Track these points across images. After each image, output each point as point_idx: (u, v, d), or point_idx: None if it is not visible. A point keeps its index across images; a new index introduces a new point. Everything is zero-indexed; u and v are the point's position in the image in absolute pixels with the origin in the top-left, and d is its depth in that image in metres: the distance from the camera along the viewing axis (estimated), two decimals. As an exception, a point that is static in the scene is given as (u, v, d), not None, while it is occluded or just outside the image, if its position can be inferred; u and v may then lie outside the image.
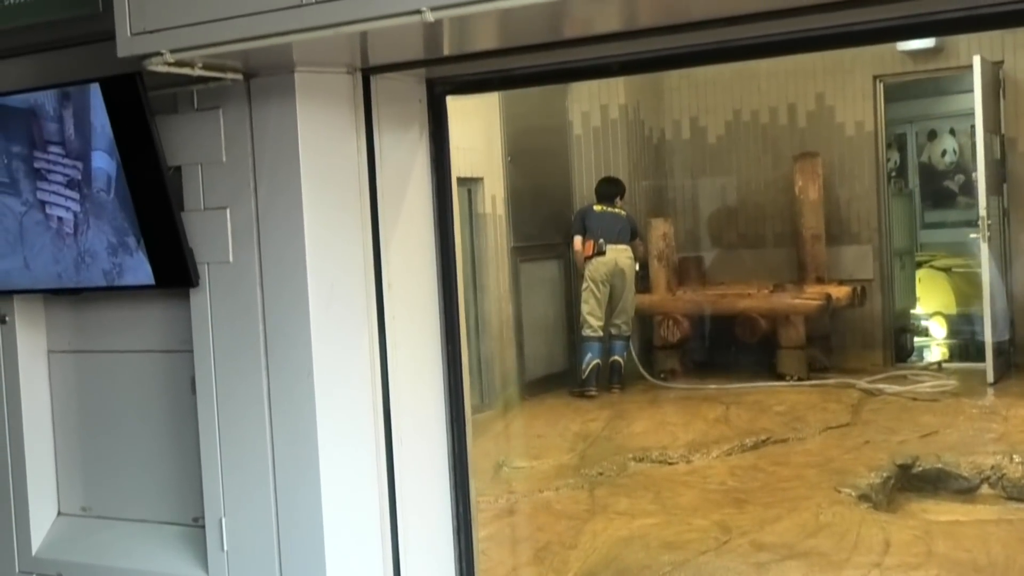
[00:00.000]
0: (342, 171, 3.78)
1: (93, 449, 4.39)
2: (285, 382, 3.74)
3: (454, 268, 4.09)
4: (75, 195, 3.90)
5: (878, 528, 5.82)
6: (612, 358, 9.59)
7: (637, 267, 9.68)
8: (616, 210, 9.69)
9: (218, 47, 3.26)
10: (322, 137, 3.72)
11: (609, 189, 9.82)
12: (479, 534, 4.36)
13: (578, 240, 9.51)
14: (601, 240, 9.40)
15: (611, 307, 9.58)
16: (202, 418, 3.92)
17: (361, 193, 3.82)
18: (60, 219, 3.97)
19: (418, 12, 2.88)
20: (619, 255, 9.49)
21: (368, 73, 3.80)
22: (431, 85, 4.01)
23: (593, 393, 9.27)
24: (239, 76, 3.65)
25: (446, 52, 3.69)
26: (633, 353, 9.81)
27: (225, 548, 3.91)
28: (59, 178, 3.92)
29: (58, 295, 4.25)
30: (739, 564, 5.47)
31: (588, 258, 9.42)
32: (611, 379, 9.55)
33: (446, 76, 3.98)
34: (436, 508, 4.09)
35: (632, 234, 9.72)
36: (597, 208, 9.64)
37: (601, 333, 9.48)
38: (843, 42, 3.95)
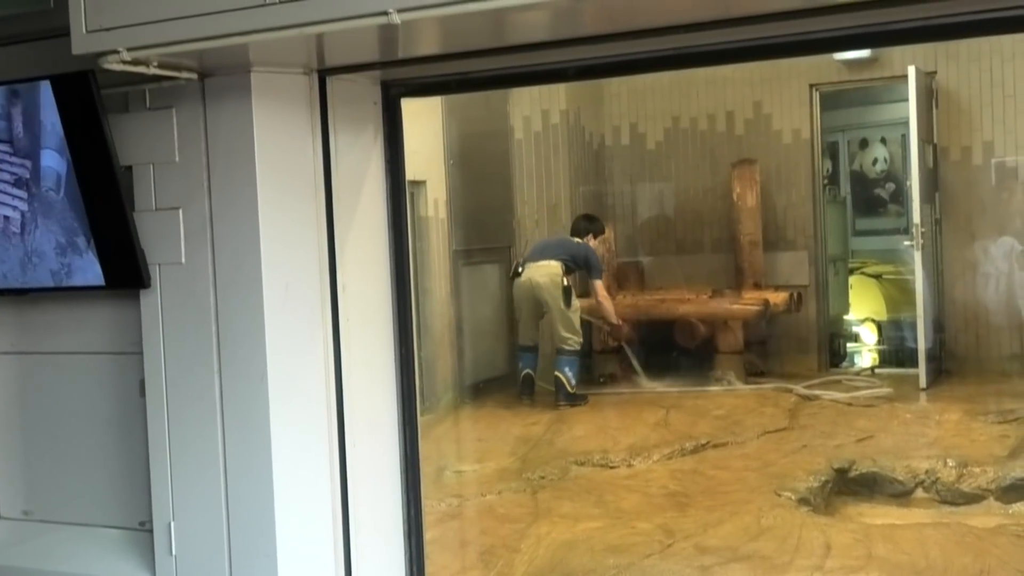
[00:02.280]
0: (297, 172, 3.76)
1: (36, 452, 4.32)
2: (238, 385, 3.70)
3: (407, 271, 4.09)
4: (23, 194, 3.84)
5: (818, 531, 5.89)
6: (525, 371, 9.32)
7: (565, 282, 9.24)
8: (568, 238, 9.59)
9: (176, 46, 3.23)
10: (277, 137, 3.70)
11: (581, 224, 9.73)
12: (422, 538, 4.35)
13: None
14: (517, 261, 9.30)
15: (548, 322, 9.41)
16: (151, 421, 3.87)
17: (316, 194, 3.80)
18: (6, 218, 3.91)
19: (384, 14, 2.88)
20: (534, 272, 9.19)
21: (324, 74, 3.78)
22: (386, 87, 4.01)
23: (528, 402, 9.24)
24: (194, 76, 3.61)
25: (401, 55, 3.69)
26: (566, 377, 9.17)
27: (174, 552, 3.87)
28: (6, 177, 3.85)
29: (1, 295, 4.16)
30: (684, 567, 5.51)
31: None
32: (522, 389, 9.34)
33: (401, 78, 3.98)
34: (388, 511, 4.08)
35: (578, 260, 9.30)
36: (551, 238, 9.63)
37: (531, 344, 9.40)
38: (783, 52, 4.00)
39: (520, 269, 9.28)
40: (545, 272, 9.20)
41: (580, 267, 9.40)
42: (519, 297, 9.35)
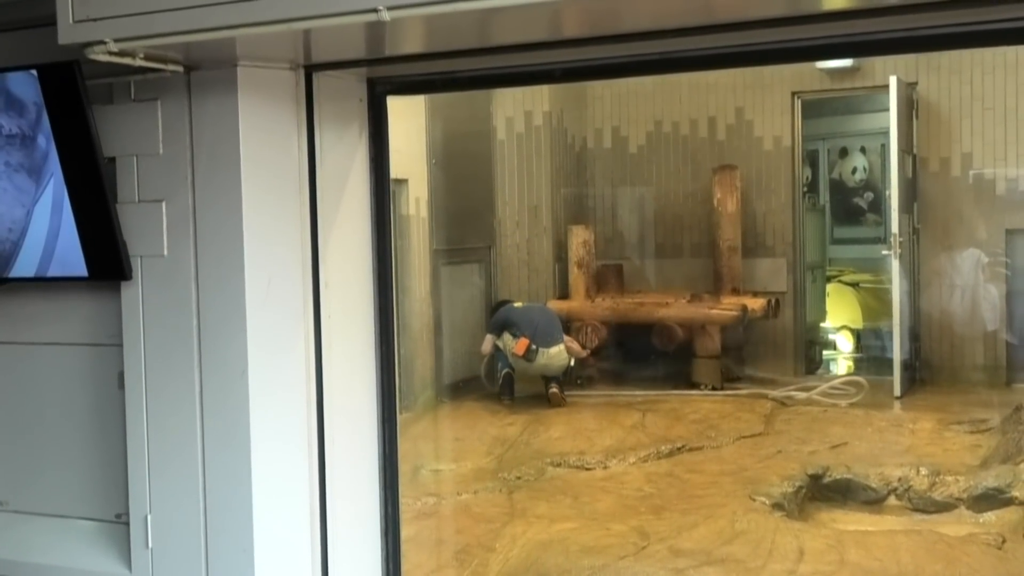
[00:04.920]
0: (282, 167, 3.75)
1: (11, 442, 4.28)
2: (218, 379, 3.69)
3: (390, 269, 4.08)
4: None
5: (792, 536, 5.94)
6: (504, 371, 9.34)
7: (572, 362, 9.49)
8: (550, 310, 9.64)
9: (163, 38, 3.21)
10: (262, 132, 3.68)
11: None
12: (397, 536, 4.35)
13: (488, 341, 9.39)
14: (534, 347, 9.12)
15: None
16: (130, 413, 3.85)
17: (300, 190, 3.79)
18: (-12, 207, 3.88)
19: (374, 11, 2.88)
20: (549, 360, 9.24)
21: (310, 70, 3.77)
22: (372, 84, 3.99)
23: (507, 401, 9.27)
24: (180, 68, 3.60)
25: (388, 52, 3.68)
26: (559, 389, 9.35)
27: (150, 545, 3.85)
28: (-12, 165, 3.83)
29: (-20, 284, 4.14)
30: (658, 570, 5.54)
31: (518, 356, 9.16)
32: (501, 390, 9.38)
33: (387, 76, 3.97)
34: (365, 508, 4.07)
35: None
36: (519, 304, 9.57)
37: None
38: (766, 59, 4.01)
39: (534, 352, 9.14)
40: (557, 359, 9.31)
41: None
42: (528, 370, 9.34)
